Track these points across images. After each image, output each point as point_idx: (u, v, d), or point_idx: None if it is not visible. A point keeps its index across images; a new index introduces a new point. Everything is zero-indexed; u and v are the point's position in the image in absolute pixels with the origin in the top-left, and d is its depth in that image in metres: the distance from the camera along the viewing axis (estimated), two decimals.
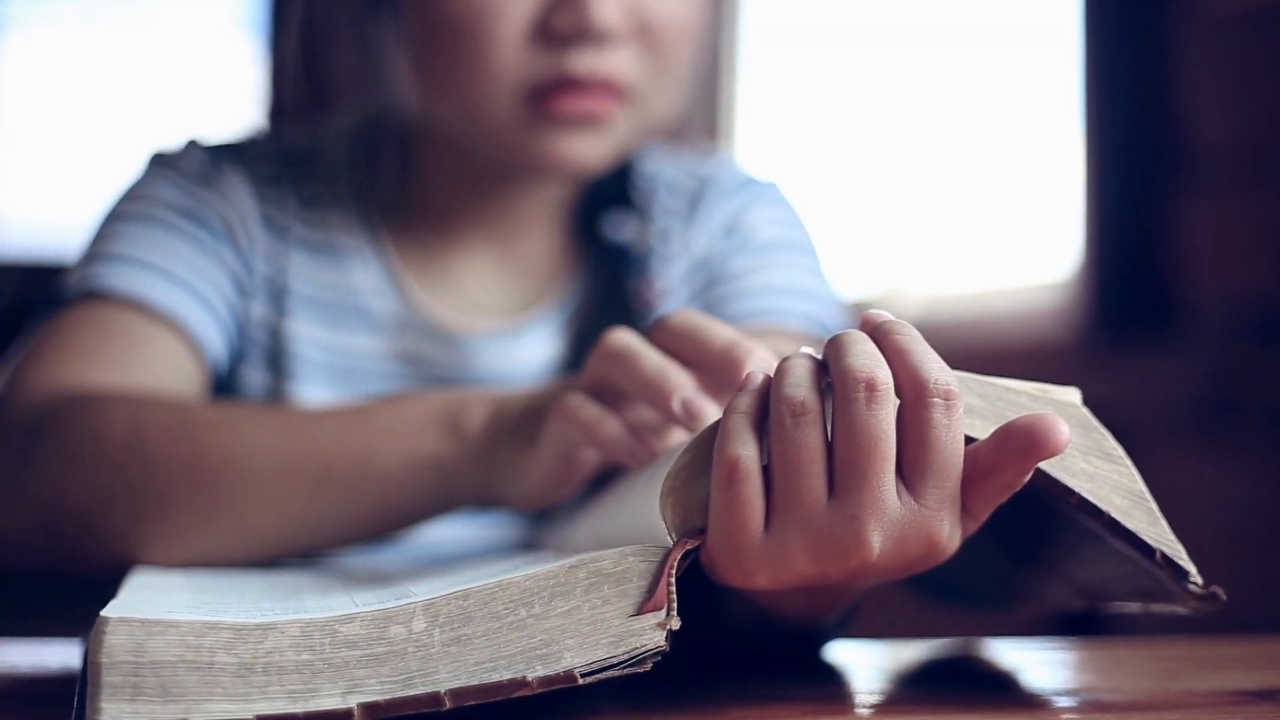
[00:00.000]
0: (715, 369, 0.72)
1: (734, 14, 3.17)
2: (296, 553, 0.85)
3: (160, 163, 1.07)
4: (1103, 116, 2.27)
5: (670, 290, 1.10)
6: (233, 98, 3.59)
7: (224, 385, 1.04)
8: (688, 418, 0.70)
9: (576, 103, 0.98)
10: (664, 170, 1.15)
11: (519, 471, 0.79)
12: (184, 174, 1.05)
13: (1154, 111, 2.20)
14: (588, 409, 0.74)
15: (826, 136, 3.12)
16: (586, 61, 0.97)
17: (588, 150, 1.00)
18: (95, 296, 0.97)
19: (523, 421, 0.79)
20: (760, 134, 3.20)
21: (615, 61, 0.98)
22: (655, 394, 0.71)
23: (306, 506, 0.83)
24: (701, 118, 2.99)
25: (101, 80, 3.75)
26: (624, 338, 0.75)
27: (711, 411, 0.69)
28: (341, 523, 0.84)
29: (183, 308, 0.98)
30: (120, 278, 0.98)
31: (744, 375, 0.65)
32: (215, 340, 1.01)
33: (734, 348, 0.72)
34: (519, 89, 0.98)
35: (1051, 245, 2.51)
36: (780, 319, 1.08)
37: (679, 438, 0.74)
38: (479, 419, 0.81)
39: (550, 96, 0.97)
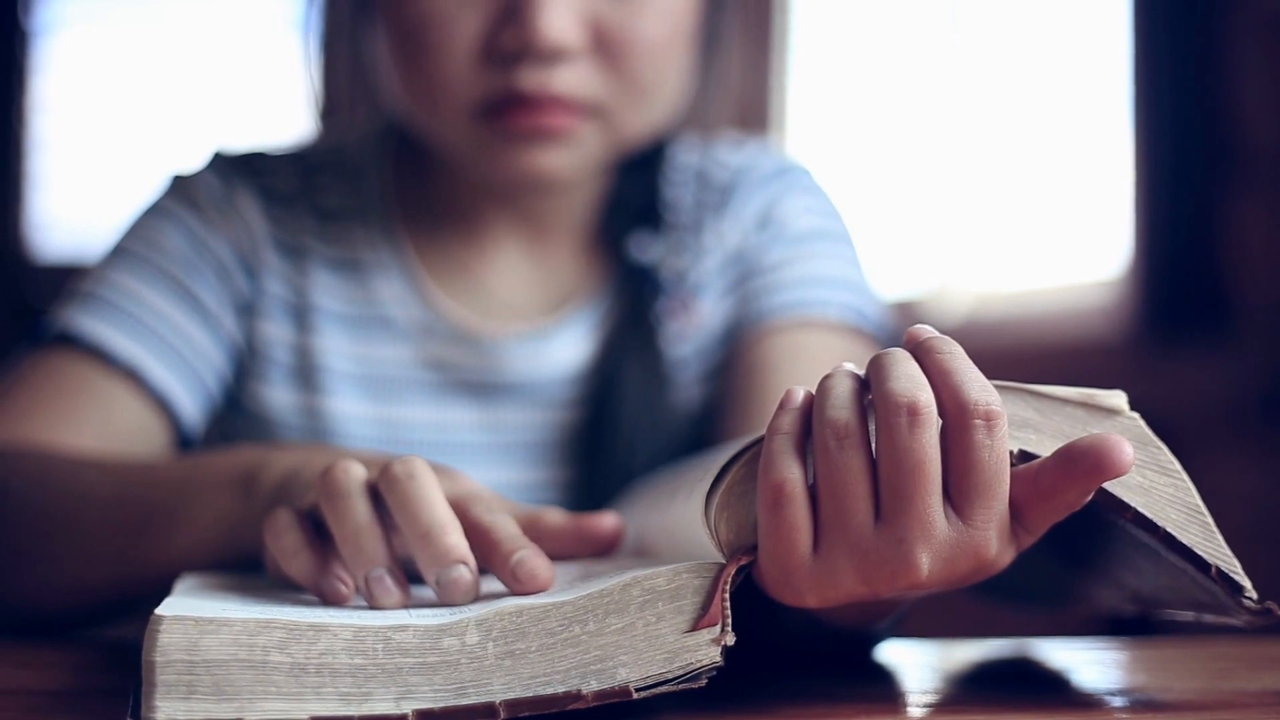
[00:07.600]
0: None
1: (784, 11, 3.16)
2: (122, 596, 0.85)
3: (174, 192, 1.07)
4: (1152, 114, 2.26)
5: (700, 314, 1.09)
6: (281, 97, 3.61)
7: (245, 408, 1.05)
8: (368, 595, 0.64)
9: (529, 119, 0.96)
10: (694, 162, 1.14)
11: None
12: (196, 204, 1.06)
13: (1204, 109, 2.19)
14: (288, 537, 0.67)
15: (876, 133, 3.11)
16: (535, 78, 0.95)
17: (551, 162, 0.99)
18: (64, 339, 0.99)
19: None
20: (809, 130, 3.20)
21: (567, 79, 0.96)
22: (349, 560, 0.65)
23: (128, 554, 0.83)
24: (751, 114, 2.99)
25: (145, 80, 3.78)
26: (346, 475, 0.67)
27: (392, 600, 0.64)
28: (156, 568, 0.81)
29: (146, 361, 0.99)
30: (89, 324, 0.99)
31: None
32: (181, 396, 1.01)
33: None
34: (471, 107, 0.97)
35: (1101, 243, 2.50)
36: (819, 310, 1.07)
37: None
38: (271, 480, 0.79)
39: (502, 113, 0.97)
